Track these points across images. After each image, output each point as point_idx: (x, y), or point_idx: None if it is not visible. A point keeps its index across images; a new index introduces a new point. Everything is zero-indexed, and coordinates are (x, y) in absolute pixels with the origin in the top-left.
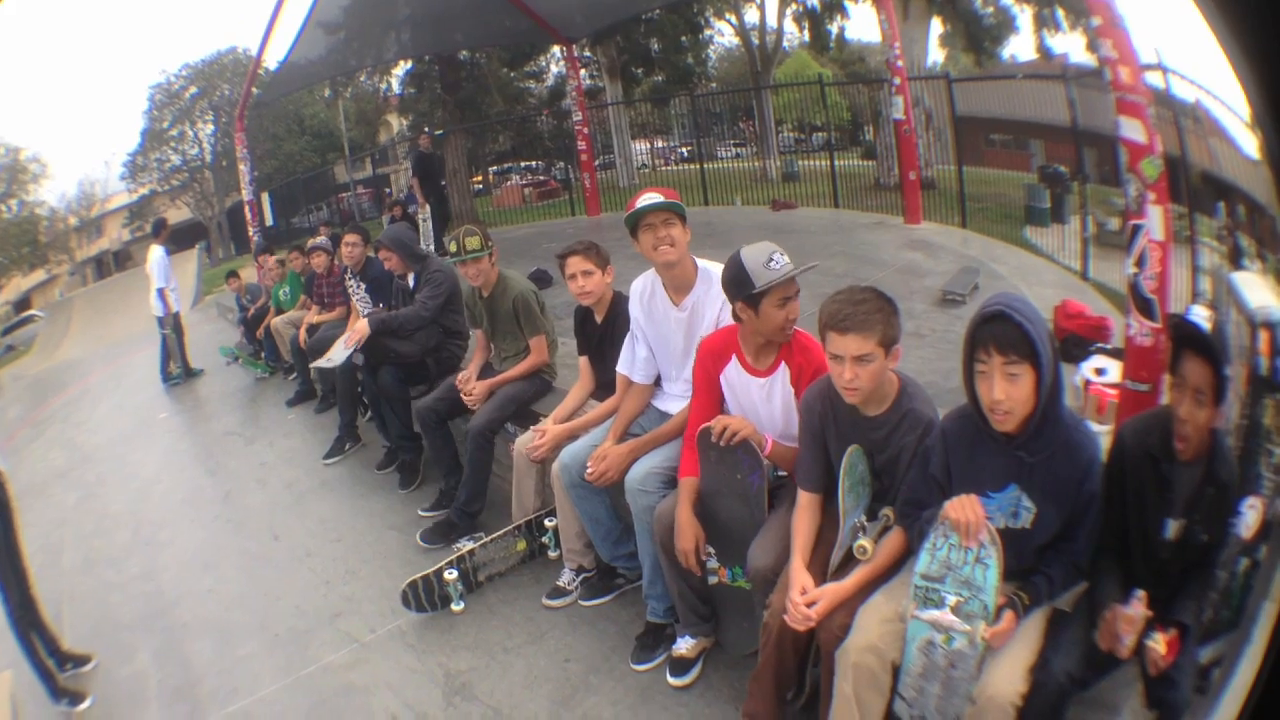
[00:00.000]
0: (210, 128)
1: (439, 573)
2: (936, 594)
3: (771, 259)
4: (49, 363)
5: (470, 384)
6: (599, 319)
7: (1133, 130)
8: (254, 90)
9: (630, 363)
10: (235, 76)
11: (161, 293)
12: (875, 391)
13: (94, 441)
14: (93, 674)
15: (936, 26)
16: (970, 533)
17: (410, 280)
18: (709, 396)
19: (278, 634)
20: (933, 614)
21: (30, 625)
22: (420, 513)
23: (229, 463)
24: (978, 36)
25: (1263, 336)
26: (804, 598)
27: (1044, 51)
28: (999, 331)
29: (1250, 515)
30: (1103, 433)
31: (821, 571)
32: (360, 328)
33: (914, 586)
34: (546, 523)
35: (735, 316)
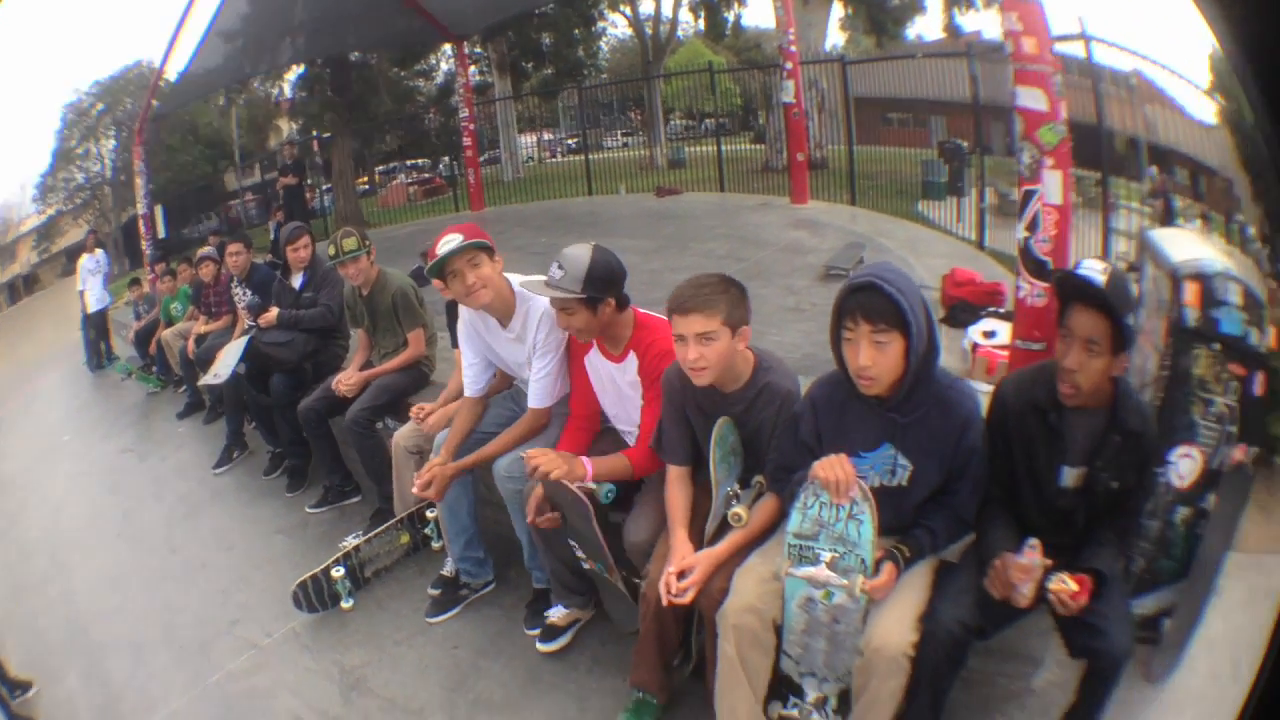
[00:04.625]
0: (112, 143)
1: (326, 571)
2: (811, 551)
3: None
4: None
5: (348, 377)
6: None
7: (1032, 99)
8: (154, 103)
9: (469, 372)
10: (139, 90)
11: (81, 295)
12: (727, 371)
13: (11, 469)
14: (36, 699)
15: (838, 10)
16: (841, 490)
17: (298, 280)
18: (579, 380)
19: (184, 645)
20: (808, 570)
21: None
22: (308, 510)
23: (126, 480)
24: (880, 19)
25: (1190, 289)
26: (680, 565)
27: (953, 30)
28: (866, 301)
29: (1185, 464)
30: (986, 391)
31: (698, 541)
32: (270, 315)
33: (787, 545)
34: (428, 514)
35: None
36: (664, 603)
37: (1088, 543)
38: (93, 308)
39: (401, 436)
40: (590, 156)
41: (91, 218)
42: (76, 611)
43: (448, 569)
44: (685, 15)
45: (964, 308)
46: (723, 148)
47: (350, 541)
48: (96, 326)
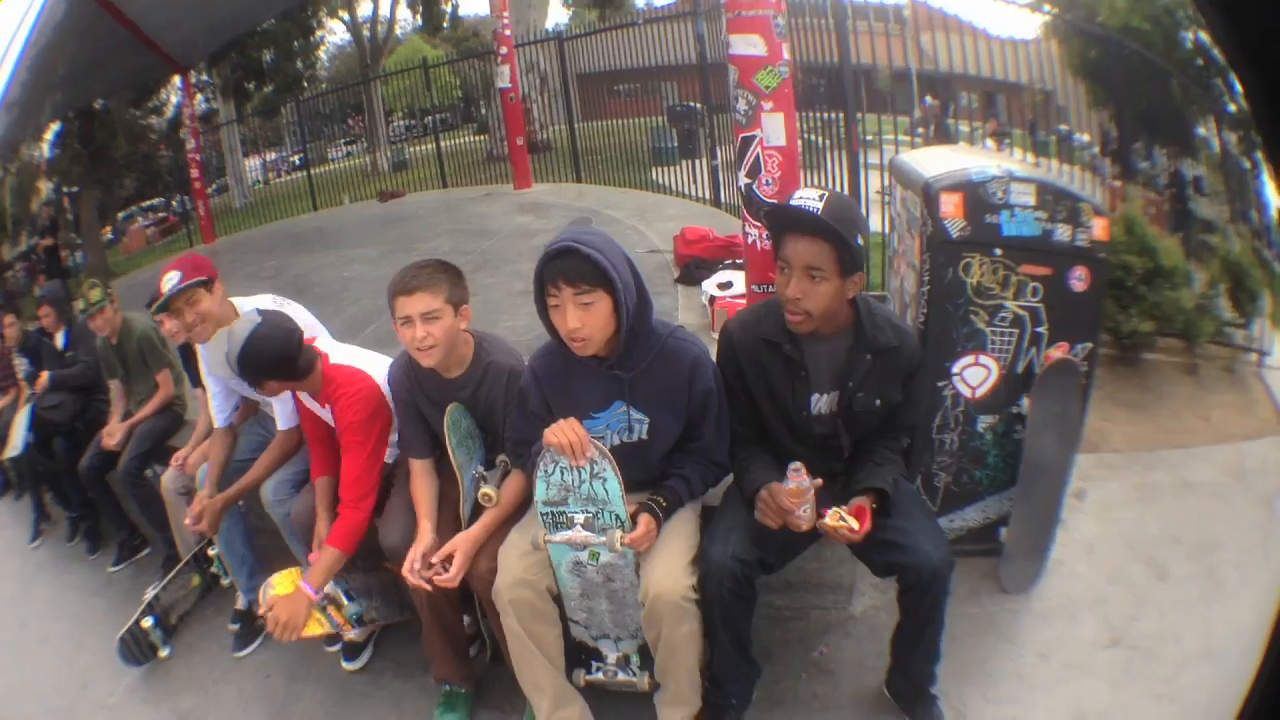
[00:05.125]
0: None
1: (137, 624)
2: (564, 515)
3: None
4: None
5: (111, 430)
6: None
7: (748, 46)
8: None
9: (214, 401)
10: None
11: None
12: (452, 353)
13: None
14: None
15: None
16: (576, 452)
17: (60, 339)
18: (300, 405)
19: (56, 713)
20: (565, 534)
21: None
22: (109, 570)
23: None
24: None
25: (949, 201)
26: (439, 554)
27: None
28: (566, 265)
29: (973, 374)
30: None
31: (456, 529)
32: (42, 380)
33: (540, 514)
34: (210, 552)
35: None
36: (428, 589)
37: (863, 464)
38: None
39: (168, 479)
40: (314, 171)
41: None
42: None
43: (240, 603)
44: (404, 13)
45: (699, 264)
46: (442, 143)
47: (150, 592)
48: None
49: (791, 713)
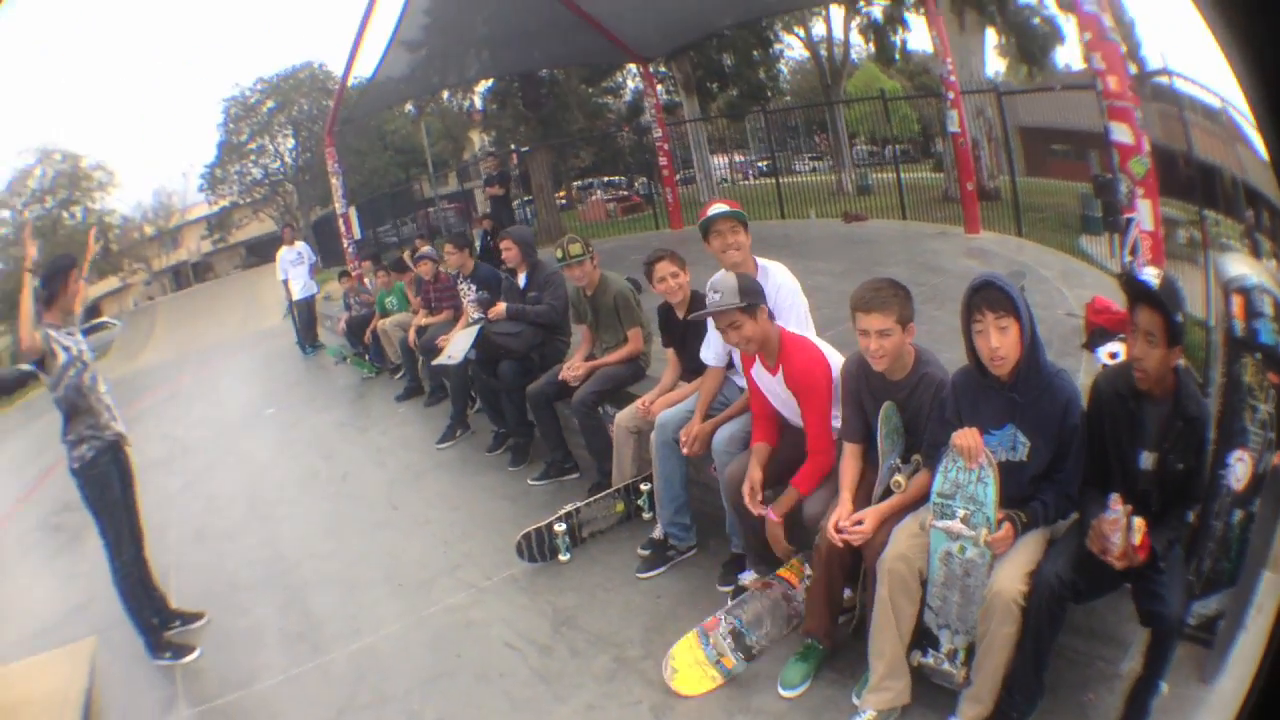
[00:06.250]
0: (291, 142)
1: (549, 526)
2: (950, 508)
3: (708, 292)
4: (131, 366)
5: (575, 366)
6: (681, 315)
7: (1121, 134)
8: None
9: (709, 349)
10: (313, 91)
11: (285, 284)
12: (897, 360)
13: (194, 435)
14: (203, 630)
15: (992, 37)
16: (972, 455)
17: (521, 279)
18: (752, 387)
19: (401, 584)
20: (946, 523)
21: (139, 584)
22: (530, 482)
23: (345, 449)
24: (1028, 47)
25: (1236, 301)
26: (853, 518)
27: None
28: (988, 296)
29: (1239, 468)
30: None
31: (865, 506)
32: (499, 309)
33: (932, 502)
34: (642, 487)
35: None
36: (835, 543)
37: (1155, 526)
38: (298, 295)
39: (623, 418)
40: (781, 180)
41: (276, 213)
42: (278, 555)
43: (657, 533)
44: (856, 38)
45: (1102, 333)
46: (903, 176)
47: (570, 506)
48: (303, 313)
49: None
